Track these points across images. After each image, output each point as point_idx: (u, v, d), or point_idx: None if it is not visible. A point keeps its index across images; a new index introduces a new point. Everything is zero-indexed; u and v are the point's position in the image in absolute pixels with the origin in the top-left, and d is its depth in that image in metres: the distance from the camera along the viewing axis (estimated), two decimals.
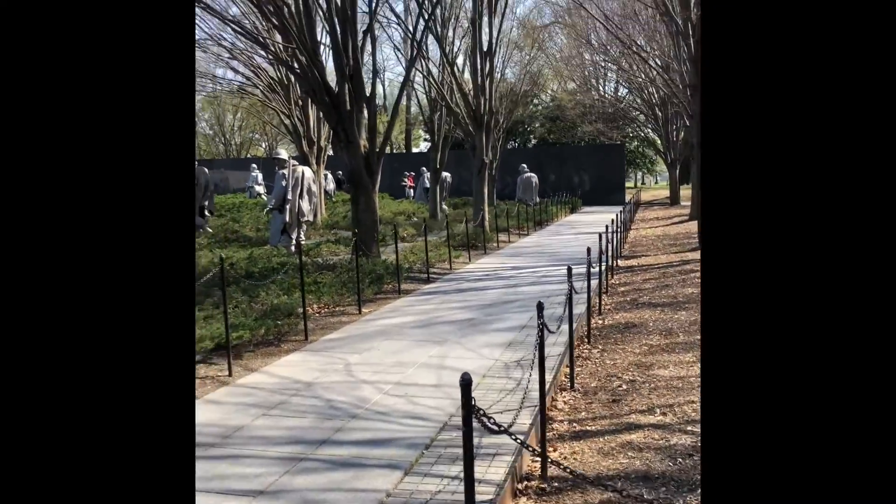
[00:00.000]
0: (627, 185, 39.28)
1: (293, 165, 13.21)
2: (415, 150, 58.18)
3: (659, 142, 45.31)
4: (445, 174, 29.65)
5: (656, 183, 53.89)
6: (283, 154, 13.52)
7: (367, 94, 10.43)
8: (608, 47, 32.08)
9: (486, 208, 17.52)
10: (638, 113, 38.28)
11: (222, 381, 5.55)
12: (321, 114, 10.74)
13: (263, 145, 62.56)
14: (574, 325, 5.61)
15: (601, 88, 44.55)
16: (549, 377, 5.05)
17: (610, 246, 11.19)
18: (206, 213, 17.96)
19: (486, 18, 16.92)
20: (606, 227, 11.83)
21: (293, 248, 13.22)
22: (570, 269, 5.70)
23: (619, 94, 40.56)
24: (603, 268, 9.44)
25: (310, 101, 17.64)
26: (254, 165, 33.19)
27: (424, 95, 22.06)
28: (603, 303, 8.94)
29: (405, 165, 35.71)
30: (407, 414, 4.54)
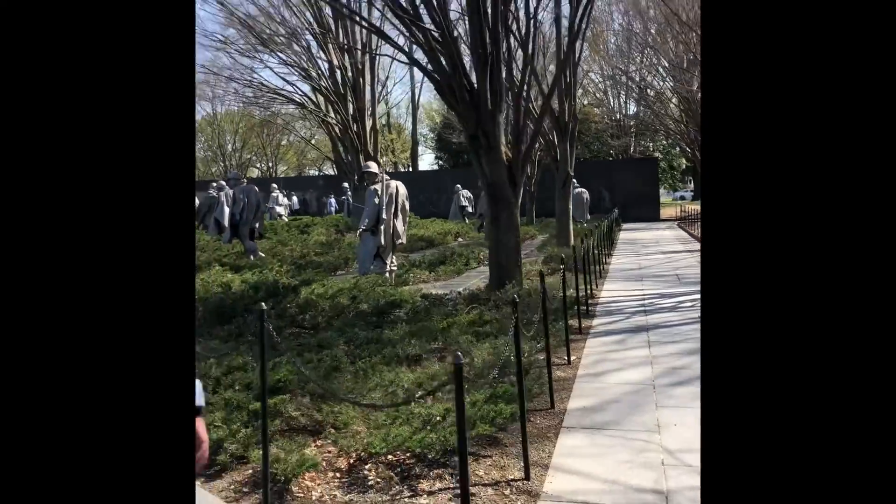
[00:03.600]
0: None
1: (386, 180, 11.39)
2: (421, 167, 56.59)
3: (688, 154, 44.09)
4: (466, 192, 28.04)
5: (678, 198, 52.64)
6: (374, 167, 11.68)
7: (515, 90, 8.65)
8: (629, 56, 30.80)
9: (572, 228, 15.79)
10: (660, 126, 36.98)
11: (518, 488, 3.71)
12: (457, 117, 8.87)
13: (259, 166, 60.66)
14: None
15: (620, 101, 43.32)
16: None
17: None
18: (257, 235, 16.06)
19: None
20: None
21: (388, 275, 11.37)
22: None
23: (636, 108, 39.26)
24: None
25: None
26: (274, 185, 31.36)
27: None
28: None
29: (423, 184, 34.05)
30: None
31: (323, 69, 16.99)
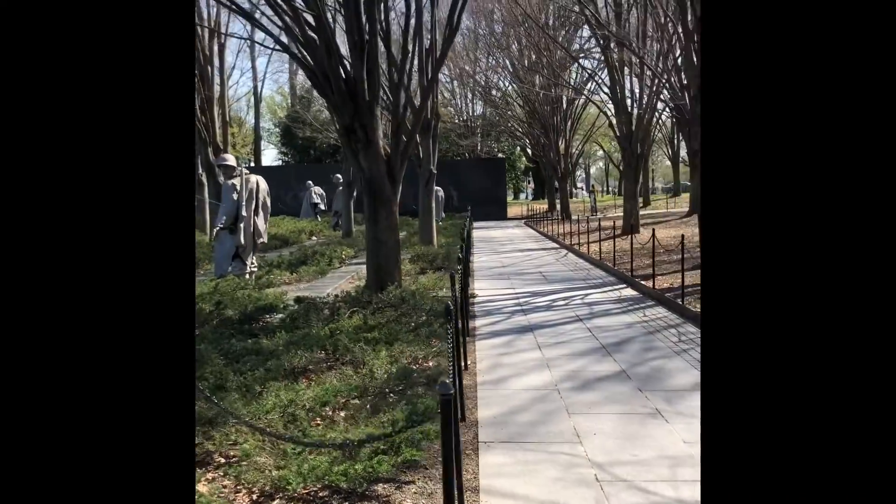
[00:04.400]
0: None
1: (245, 174, 10.54)
2: (264, 162, 54.38)
3: (529, 155, 45.54)
4: (318, 189, 27.22)
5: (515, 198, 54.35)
6: (232, 160, 10.77)
7: (395, 79, 8.20)
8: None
9: (435, 226, 15.59)
10: (505, 127, 38.04)
11: None
12: (331, 108, 8.30)
13: None
14: None
15: (466, 101, 44.05)
16: None
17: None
18: None
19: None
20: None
21: (248, 276, 10.54)
22: None
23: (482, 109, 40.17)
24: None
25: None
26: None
27: None
28: None
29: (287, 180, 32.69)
30: None
31: None
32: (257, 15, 12.93)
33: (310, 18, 7.63)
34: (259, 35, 28.14)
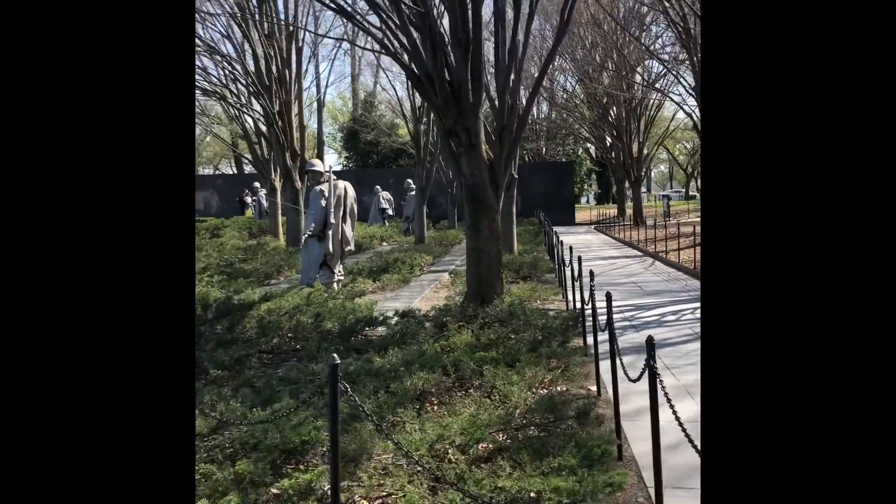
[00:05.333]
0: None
1: (334, 180, 10.21)
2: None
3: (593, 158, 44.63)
4: (386, 194, 26.98)
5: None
6: (320, 165, 10.47)
7: (498, 80, 7.72)
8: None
9: (516, 232, 15.07)
10: (570, 129, 37.26)
11: None
12: (431, 112, 7.86)
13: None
14: None
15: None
16: None
17: None
18: None
19: None
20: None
21: (335, 285, 10.20)
22: None
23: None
24: None
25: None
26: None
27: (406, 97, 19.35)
28: None
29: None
30: None
31: (243, 58, 15.51)
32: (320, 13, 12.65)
33: (414, 13, 7.22)
34: (328, 37, 28.08)
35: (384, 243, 20.40)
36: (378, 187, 26.49)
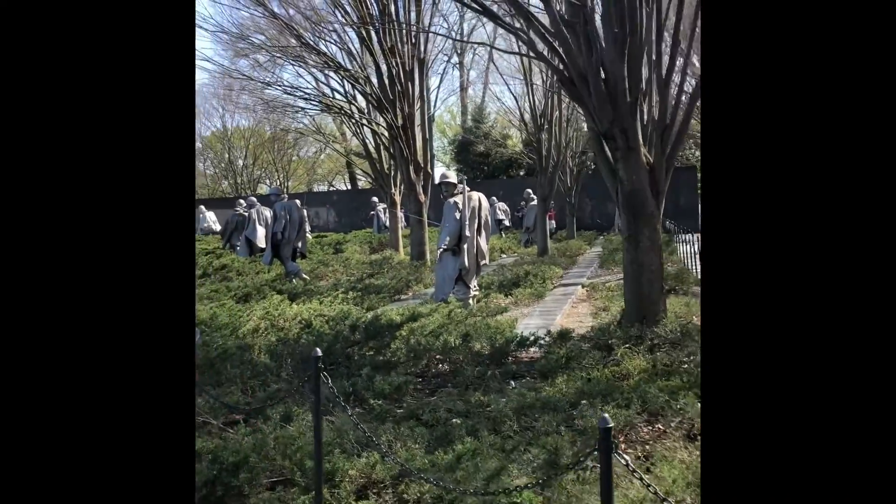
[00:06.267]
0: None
1: (467, 191, 9.78)
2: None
3: None
4: (502, 205, 26.45)
5: None
6: (453, 176, 10.10)
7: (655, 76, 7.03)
8: None
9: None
10: None
11: None
12: (585, 113, 7.25)
13: (268, 182, 59.10)
14: None
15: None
16: None
17: None
18: (300, 255, 14.46)
19: None
20: None
21: (471, 301, 9.74)
22: None
23: None
24: None
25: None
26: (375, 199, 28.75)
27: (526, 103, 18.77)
28: None
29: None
30: None
31: (364, 71, 15.45)
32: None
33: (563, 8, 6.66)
34: (470, 42, 27.97)
35: (503, 255, 19.87)
36: (494, 199, 26.04)
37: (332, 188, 56.42)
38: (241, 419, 4.23)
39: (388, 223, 24.98)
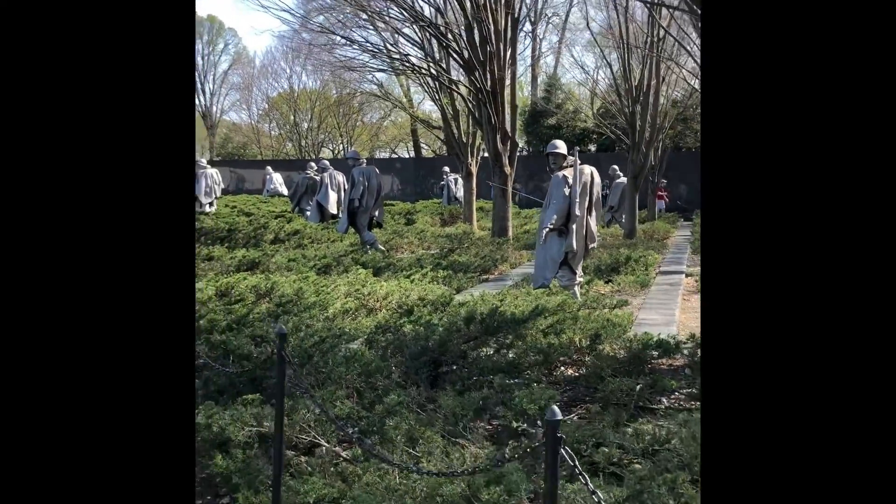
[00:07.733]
0: None
1: (579, 164, 8.64)
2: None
3: None
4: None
5: None
6: (562, 146, 8.94)
7: None
8: None
9: None
10: None
11: None
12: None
13: (331, 146, 58.53)
14: None
15: None
16: None
17: None
18: (376, 224, 13.58)
19: None
20: None
21: (576, 289, 8.67)
22: None
23: None
24: None
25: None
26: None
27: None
28: None
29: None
30: None
31: (458, 27, 14.32)
32: None
33: None
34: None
35: None
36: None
37: (393, 156, 55.57)
38: (354, 438, 3.29)
39: (458, 194, 24.03)
